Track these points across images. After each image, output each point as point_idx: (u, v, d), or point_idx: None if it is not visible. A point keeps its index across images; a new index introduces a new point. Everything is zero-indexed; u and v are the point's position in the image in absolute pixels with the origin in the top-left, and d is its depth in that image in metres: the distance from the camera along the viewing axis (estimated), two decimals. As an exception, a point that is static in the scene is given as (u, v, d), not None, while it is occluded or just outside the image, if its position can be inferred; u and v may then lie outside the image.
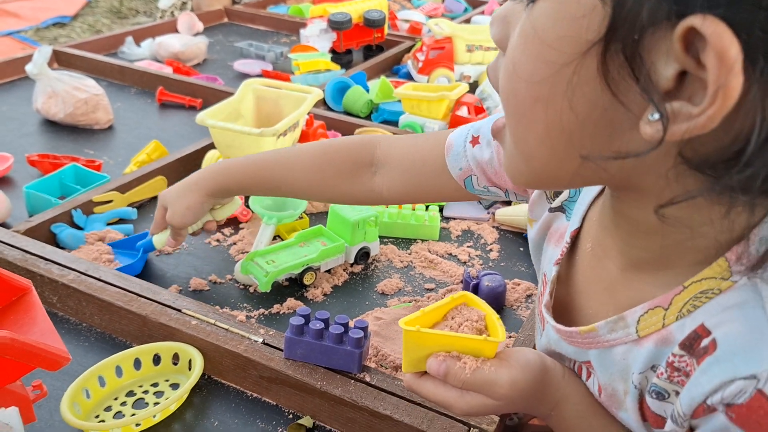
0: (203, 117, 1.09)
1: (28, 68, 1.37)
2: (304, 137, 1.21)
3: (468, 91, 1.46)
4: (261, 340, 0.76)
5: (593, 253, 0.54)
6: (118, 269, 0.91)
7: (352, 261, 0.99)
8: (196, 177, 0.88)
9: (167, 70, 1.71)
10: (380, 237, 1.06)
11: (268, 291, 0.91)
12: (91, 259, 0.93)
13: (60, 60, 1.72)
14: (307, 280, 0.94)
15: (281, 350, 0.74)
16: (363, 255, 0.99)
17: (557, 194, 0.61)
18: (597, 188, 0.56)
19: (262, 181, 0.85)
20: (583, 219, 0.56)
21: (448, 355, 0.53)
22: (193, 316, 0.79)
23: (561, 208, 0.60)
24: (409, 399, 0.69)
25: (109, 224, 1.03)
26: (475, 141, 0.69)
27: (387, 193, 0.79)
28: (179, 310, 0.79)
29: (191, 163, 1.21)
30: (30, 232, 0.95)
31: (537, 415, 0.57)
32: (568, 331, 0.53)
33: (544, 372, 0.54)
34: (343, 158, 0.80)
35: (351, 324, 0.75)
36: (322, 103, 1.58)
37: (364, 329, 0.73)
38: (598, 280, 0.53)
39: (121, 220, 1.05)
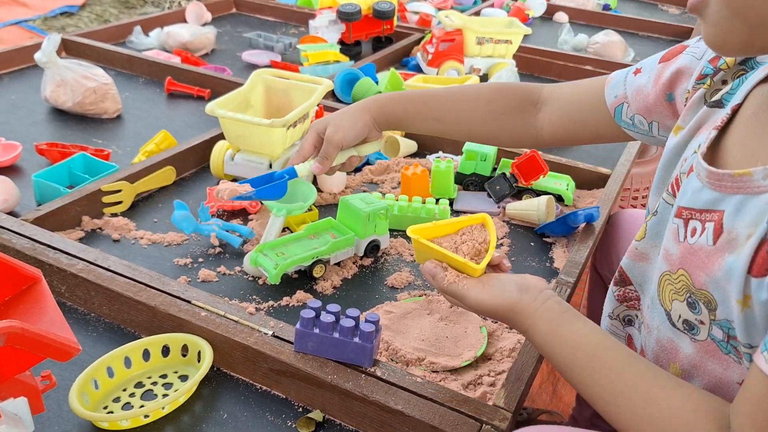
0: (213, 107, 1.08)
1: (37, 56, 1.37)
2: (313, 129, 1.20)
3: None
4: (271, 332, 0.75)
5: (755, 116, 0.59)
6: (258, 191, 0.91)
7: (362, 254, 0.98)
8: (363, 103, 0.92)
9: (175, 60, 1.70)
10: (390, 230, 1.05)
11: (278, 283, 0.90)
12: (228, 192, 0.91)
13: (68, 49, 1.72)
14: (317, 272, 0.93)
15: (291, 343, 0.73)
16: (373, 248, 0.99)
17: (716, 92, 0.66)
18: (764, 72, 0.61)
19: (429, 110, 0.89)
20: (745, 98, 0.61)
21: (439, 264, 0.68)
22: (203, 308, 0.78)
23: (719, 103, 0.65)
24: (421, 394, 0.68)
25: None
26: (637, 71, 0.78)
27: (546, 130, 0.87)
28: (189, 302, 0.79)
29: (200, 153, 1.20)
30: (38, 221, 0.94)
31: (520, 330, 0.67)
32: (720, 173, 0.57)
33: (514, 304, 0.65)
34: (513, 93, 0.88)
35: (362, 317, 0.74)
36: (331, 94, 1.57)
37: (376, 323, 0.72)
38: (756, 135, 0.58)
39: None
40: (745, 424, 0.50)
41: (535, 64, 1.91)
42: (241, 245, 0.98)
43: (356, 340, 0.71)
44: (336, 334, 0.71)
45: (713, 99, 0.66)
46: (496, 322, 0.87)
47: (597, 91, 0.82)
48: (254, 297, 0.89)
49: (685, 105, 0.70)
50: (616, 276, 0.76)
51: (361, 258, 0.99)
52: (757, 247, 0.52)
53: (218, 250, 0.98)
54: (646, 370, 0.57)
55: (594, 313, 1.16)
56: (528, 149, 1.11)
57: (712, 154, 0.61)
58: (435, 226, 0.71)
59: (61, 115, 1.41)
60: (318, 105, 1.23)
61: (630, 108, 0.78)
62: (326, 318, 0.71)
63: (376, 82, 1.57)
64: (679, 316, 0.63)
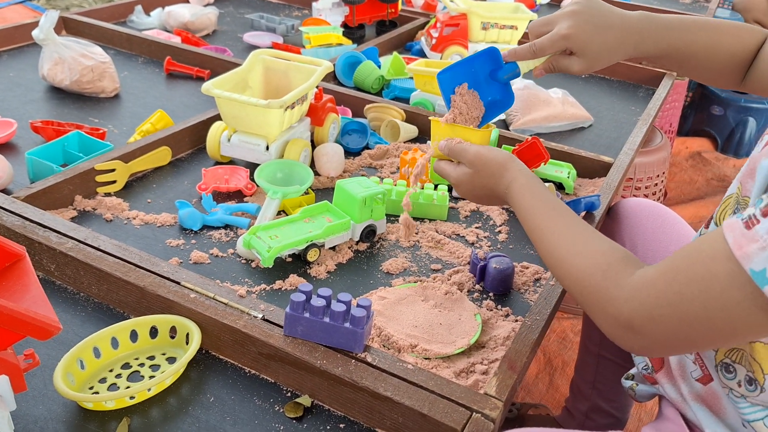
0: (209, 86, 1.06)
1: (35, 33, 1.35)
2: (312, 111, 1.19)
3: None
4: (261, 315, 0.74)
5: None
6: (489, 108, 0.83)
7: (357, 239, 0.96)
8: (635, 22, 0.80)
9: (176, 40, 1.68)
10: (387, 215, 1.03)
11: (271, 266, 0.89)
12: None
13: (68, 27, 1.70)
14: (311, 256, 0.92)
15: (281, 327, 0.72)
16: (369, 233, 0.97)
17: None
18: None
19: (691, 42, 0.81)
20: None
21: (449, 138, 0.83)
22: (192, 289, 0.77)
23: None
24: (411, 381, 0.67)
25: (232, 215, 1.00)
26: None
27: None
28: (178, 283, 0.78)
29: (196, 134, 1.19)
30: (30, 199, 0.93)
31: (499, 196, 0.77)
32: None
33: (506, 160, 0.76)
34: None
35: (354, 302, 0.73)
36: (332, 77, 1.55)
37: (367, 308, 0.71)
38: None
39: (244, 213, 1.01)
40: (648, 272, 0.58)
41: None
42: (249, 225, 0.97)
43: (347, 325, 0.69)
44: (326, 319, 0.70)
45: None
46: (491, 310, 0.85)
47: None
48: (246, 280, 0.88)
49: None
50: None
51: (357, 243, 0.97)
52: None
53: (211, 232, 0.97)
54: (583, 226, 0.69)
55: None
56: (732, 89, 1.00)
57: None
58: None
59: (58, 93, 1.39)
60: (317, 87, 1.21)
61: None
62: (317, 302, 0.70)
63: (379, 66, 1.55)
64: None
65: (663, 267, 0.58)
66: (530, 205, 0.72)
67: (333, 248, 0.95)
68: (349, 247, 0.96)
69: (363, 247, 0.97)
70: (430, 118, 0.84)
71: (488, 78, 0.83)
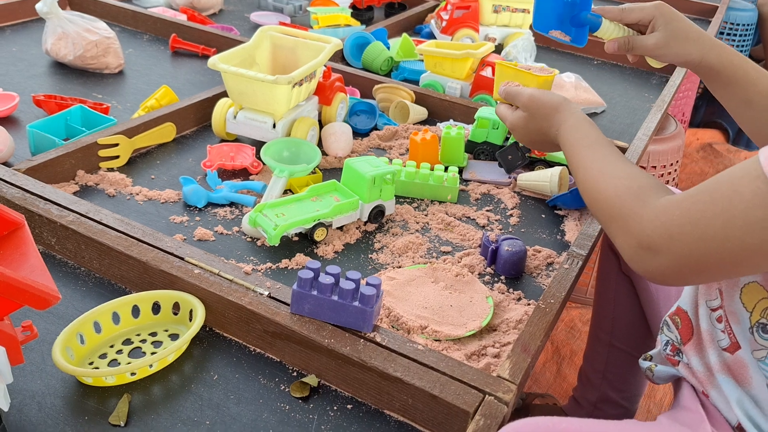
0: (215, 61, 1.04)
1: (38, 6, 1.32)
2: (320, 89, 1.16)
3: (493, 52, 1.39)
4: (267, 293, 0.71)
5: None
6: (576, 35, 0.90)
7: (366, 219, 0.94)
8: (709, 38, 0.84)
9: (182, 18, 1.65)
10: (396, 197, 1.01)
11: (277, 245, 0.87)
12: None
13: (73, 3, 1.67)
14: (318, 236, 0.89)
15: (288, 305, 0.70)
16: (377, 213, 0.95)
17: None
18: None
19: (745, 86, 0.83)
20: None
21: (509, 82, 0.88)
22: (197, 265, 0.74)
23: None
24: (422, 362, 0.65)
25: (238, 192, 0.97)
26: None
27: None
28: (182, 258, 0.75)
29: (202, 111, 1.16)
30: (31, 172, 0.91)
31: (552, 139, 0.80)
32: None
33: (559, 102, 0.79)
34: None
35: (363, 281, 0.71)
36: (341, 59, 1.52)
37: (377, 287, 0.68)
38: None
39: (249, 191, 0.99)
40: (677, 195, 0.60)
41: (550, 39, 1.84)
42: (255, 204, 0.94)
43: (356, 303, 0.67)
44: (335, 297, 0.67)
45: None
46: (502, 293, 0.83)
47: None
48: (251, 258, 0.85)
49: None
50: None
51: (365, 223, 0.95)
52: None
53: (216, 209, 0.95)
54: (622, 158, 0.70)
55: (604, 292, 1.12)
56: None
57: None
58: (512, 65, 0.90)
59: (61, 68, 1.36)
60: (326, 65, 1.18)
61: None
62: (325, 279, 0.68)
63: (388, 48, 1.52)
64: None
65: (692, 189, 0.59)
66: (576, 142, 0.75)
67: (340, 228, 0.93)
68: (357, 227, 0.94)
69: (371, 227, 0.95)
70: (496, 61, 0.90)
71: (571, 14, 0.91)
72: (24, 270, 0.54)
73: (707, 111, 2.62)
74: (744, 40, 2.71)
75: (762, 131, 0.83)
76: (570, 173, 0.89)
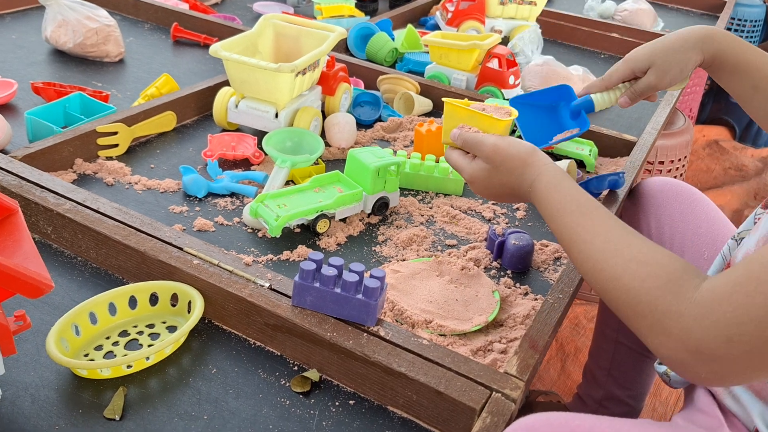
0: (217, 48, 1.02)
1: (38, -7, 1.30)
2: (324, 79, 1.14)
3: (500, 44, 1.37)
4: (268, 285, 0.69)
5: None
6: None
7: (369, 211, 0.92)
8: (698, 36, 0.80)
9: (183, 7, 1.62)
10: (400, 189, 0.99)
11: (278, 236, 0.85)
12: None
13: (73, -9, 1.64)
14: (321, 227, 0.87)
15: (289, 297, 0.68)
16: (382, 205, 0.93)
17: None
18: None
19: (765, 76, 0.78)
20: None
21: (464, 125, 0.73)
22: (196, 256, 0.72)
23: None
24: (427, 357, 0.63)
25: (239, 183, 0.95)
26: None
27: None
28: (181, 249, 0.73)
29: (203, 100, 1.14)
30: (28, 159, 0.89)
31: (521, 194, 0.69)
32: None
33: (529, 153, 0.68)
34: None
35: (367, 274, 0.69)
36: (344, 50, 1.50)
37: (381, 279, 0.66)
38: None
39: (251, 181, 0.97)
40: (719, 284, 0.50)
41: (559, 30, 1.82)
42: (256, 194, 0.92)
43: (359, 296, 0.65)
44: (338, 289, 0.65)
45: None
46: (509, 287, 0.81)
47: None
48: (252, 249, 0.84)
49: None
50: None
51: (369, 215, 0.93)
52: None
53: (216, 199, 0.93)
54: (629, 229, 0.60)
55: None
56: None
57: None
58: (466, 102, 0.76)
59: (61, 56, 1.34)
60: (330, 55, 1.16)
61: None
62: (328, 271, 0.66)
63: (392, 39, 1.50)
64: None
65: (736, 277, 0.49)
66: (560, 204, 0.63)
67: (344, 220, 0.91)
68: (360, 220, 0.92)
69: (375, 219, 0.93)
70: (443, 99, 0.75)
71: (562, 107, 0.90)
72: (17, 257, 0.52)
73: (713, 108, 2.60)
74: (752, 37, 2.68)
75: None
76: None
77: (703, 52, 0.81)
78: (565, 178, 0.65)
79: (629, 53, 0.85)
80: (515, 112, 0.74)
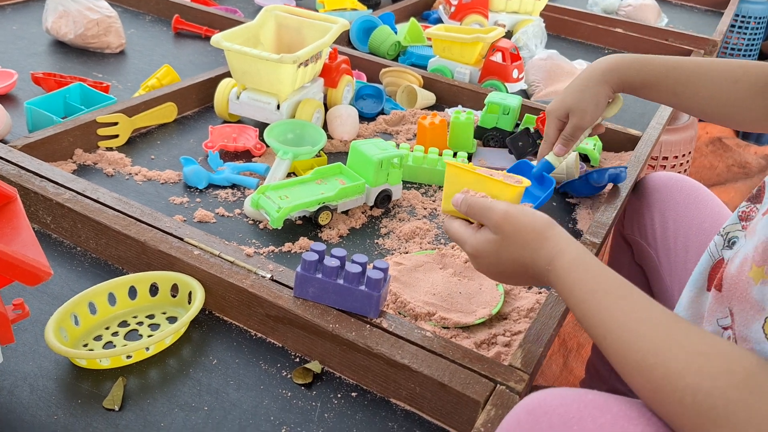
0: (219, 39, 1.01)
1: (38, -17, 1.29)
2: (326, 71, 1.13)
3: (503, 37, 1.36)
4: (269, 276, 0.69)
5: None
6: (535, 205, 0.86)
7: (372, 203, 0.91)
8: (600, 73, 0.84)
9: None
10: (403, 182, 0.98)
11: (280, 228, 0.84)
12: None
13: (74, -17, 1.63)
14: (323, 219, 0.87)
15: (291, 288, 0.67)
16: (384, 198, 0.92)
17: None
18: None
19: (670, 83, 0.81)
20: None
21: (469, 190, 0.64)
22: (196, 246, 0.72)
23: None
24: (430, 349, 0.62)
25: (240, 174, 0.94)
26: None
27: None
28: (181, 239, 0.72)
29: (204, 91, 1.13)
30: (27, 149, 0.88)
31: (537, 272, 0.58)
32: None
33: (546, 225, 0.58)
34: (761, 73, 0.78)
35: (370, 265, 0.68)
36: (347, 43, 1.49)
37: (384, 271, 0.65)
38: None
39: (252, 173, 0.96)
40: None
41: (562, 25, 1.81)
42: (257, 186, 0.91)
43: (362, 288, 0.64)
44: (340, 281, 0.65)
45: None
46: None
47: None
48: (254, 241, 0.83)
49: None
50: (754, 192, 0.64)
51: (371, 208, 0.92)
52: None
53: (217, 191, 0.92)
54: (670, 314, 0.50)
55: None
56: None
57: None
58: (471, 166, 0.69)
59: (62, 47, 1.33)
60: (332, 47, 1.15)
61: None
62: (330, 262, 0.65)
63: (395, 32, 1.49)
64: None
65: None
66: (589, 285, 0.53)
67: (346, 212, 0.90)
68: (362, 212, 0.91)
69: (377, 212, 0.92)
70: (445, 160, 0.69)
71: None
72: (15, 244, 0.51)
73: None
74: (755, 34, 2.66)
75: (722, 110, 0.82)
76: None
77: (609, 83, 0.84)
78: (590, 258, 0.56)
79: (548, 106, 0.88)
80: (527, 181, 0.65)
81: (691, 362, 0.45)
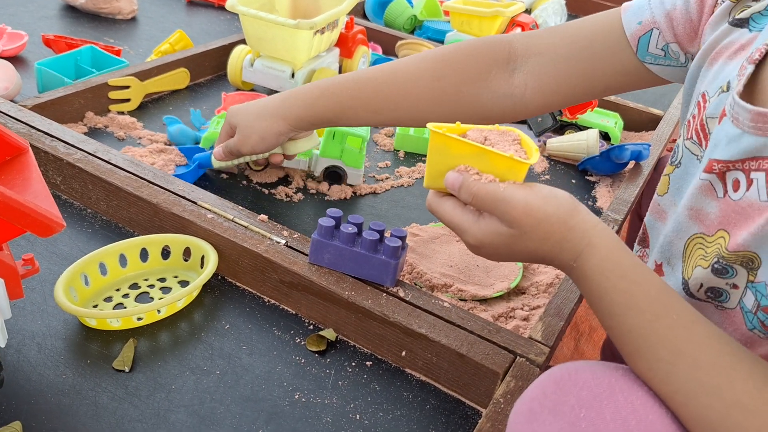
0: (234, 2, 0.98)
1: (50, -55, 1.26)
2: (342, 40, 1.10)
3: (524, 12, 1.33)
4: (284, 241, 0.67)
5: None
6: (175, 174, 0.81)
7: (317, 173, 0.86)
8: (278, 107, 0.73)
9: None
10: (417, 155, 0.96)
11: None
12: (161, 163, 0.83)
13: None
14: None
15: (306, 254, 0.65)
16: (332, 174, 0.85)
17: (745, 8, 0.54)
18: None
19: (363, 102, 0.69)
20: None
21: (467, 167, 0.49)
22: (210, 210, 0.70)
23: (745, 21, 0.54)
24: (448, 319, 0.60)
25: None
26: None
27: (529, 94, 0.67)
28: (194, 202, 0.71)
29: (217, 59, 1.11)
30: (37, 108, 0.86)
31: (558, 266, 0.50)
32: (763, 113, 0.46)
33: (571, 211, 0.48)
34: (467, 59, 0.67)
35: (387, 233, 0.66)
36: (362, 16, 1.46)
37: (403, 239, 0.64)
38: None
39: None
40: None
41: (583, 4, 1.77)
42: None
43: (380, 255, 0.62)
44: (357, 248, 0.63)
45: (739, 16, 0.54)
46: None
47: (607, 26, 0.63)
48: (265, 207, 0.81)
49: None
50: (639, 234, 0.64)
51: (319, 182, 0.86)
52: None
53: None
54: (717, 332, 0.45)
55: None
56: (508, 123, 0.70)
57: (748, 92, 0.49)
58: (459, 126, 0.52)
59: (73, 12, 1.31)
60: (349, 15, 1.12)
61: (663, 35, 0.61)
62: (347, 229, 0.63)
63: (411, 6, 1.46)
64: (701, 285, 0.52)
65: None
66: (623, 297, 0.46)
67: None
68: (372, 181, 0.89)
69: (388, 185, 0.90)
70: (428, 126, 0.50)
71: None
72: (27, 195, 0.49)
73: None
74: None
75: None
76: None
77: (285, 118, 0.72)
78: (625, 250, 0.48)
79: (231, 108, 0.77)
80: (534, 146, 0.51)
81: (728, 416, 0.42)
